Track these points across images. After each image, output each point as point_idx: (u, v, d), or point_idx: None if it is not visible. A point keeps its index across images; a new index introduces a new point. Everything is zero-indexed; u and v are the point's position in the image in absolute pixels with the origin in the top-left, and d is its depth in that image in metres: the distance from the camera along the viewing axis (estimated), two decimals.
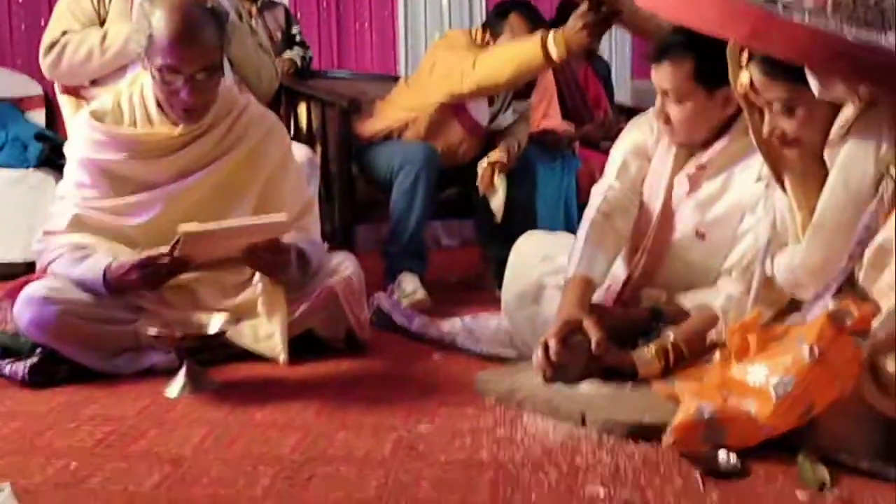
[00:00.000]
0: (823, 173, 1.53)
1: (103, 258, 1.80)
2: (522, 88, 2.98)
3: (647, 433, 1.46)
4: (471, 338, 2.21)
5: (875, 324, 1.38)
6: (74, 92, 2.61)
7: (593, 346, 1.68)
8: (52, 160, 3.45)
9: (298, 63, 3.47)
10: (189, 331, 1.77)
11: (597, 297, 1.89)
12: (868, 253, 1.44)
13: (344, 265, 2.06)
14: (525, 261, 2.23)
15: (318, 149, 3.17)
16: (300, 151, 2.56)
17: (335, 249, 2.46)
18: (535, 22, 2.82)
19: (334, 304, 1.98)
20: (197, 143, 1.96)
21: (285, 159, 2.09)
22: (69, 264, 1.82)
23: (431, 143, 2.84)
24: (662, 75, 1.82)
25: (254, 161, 2.02)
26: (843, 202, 1.49)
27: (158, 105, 1.93)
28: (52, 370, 1.78)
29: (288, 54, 3.46)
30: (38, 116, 3.74)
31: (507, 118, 3.04)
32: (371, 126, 2.99)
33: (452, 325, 2.46)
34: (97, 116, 1.93)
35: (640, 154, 1.99)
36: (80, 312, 1.78)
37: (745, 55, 1.55)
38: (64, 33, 2.44)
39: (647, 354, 1.72)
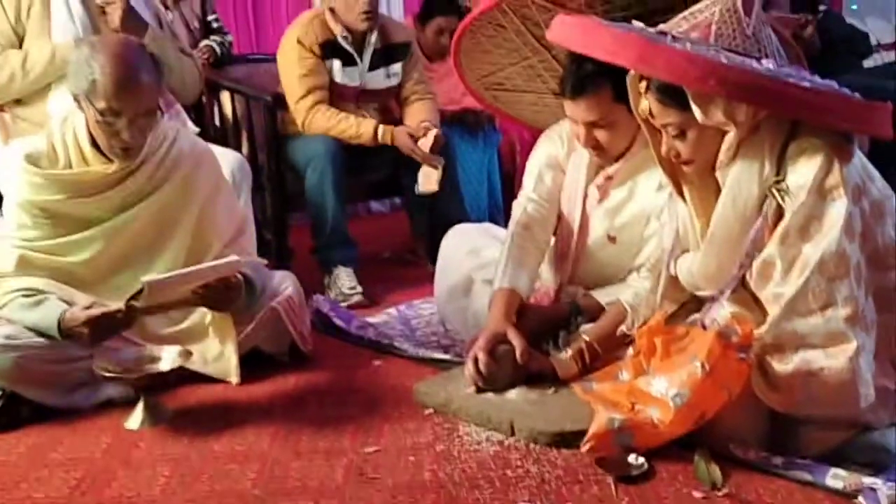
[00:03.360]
0: (719, 186, 1.71)
1: (56, 306, 1.88)
2: (395, 52, 3.07)
3: (569, 441, 1.67)
4: (407, 338, 2.38)
5: (763, 329, 1.59)
6: None
7: (518, 355, 1.87)
8: None
9: (218, 51, 3.47)
10: (142, 364, 1.89)
11: (531, 300, 2.07)
12: (755, 264, 1.64)
13: (284, 284, 2.18)
14: (453, 256, 2.39)
15: (245, 141, 3.23)
16: (231, 157, 2.62)
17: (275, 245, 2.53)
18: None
19: (278, 323, 2.11)
20: (131, 178, 2.02)
21: (217, 186, 2.17)
22: (22, 310, 1.89)
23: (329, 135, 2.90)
24: (587, 108, 1.92)
25: (186, 191, 2.09)
26: (731, 219, 1.68)
27: (92, 144, 1.98)
28: (15, 411, 1.88)
29: (206, 42, 3.46)
30: None
31: (378, 78, 3.06)
32: (285, 119, 3.06)
33: (389, 318, 2.63)
34: (32, 161, 1.97)
35: (554, 166, 2.14)
36: (37, 356, 1.87)
37: (643, 84, 1.70)
38: None
39: (565, 358, 1.92)
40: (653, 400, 1.62)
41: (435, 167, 2.89)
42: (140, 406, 1.86)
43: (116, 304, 1.85)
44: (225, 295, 1.96)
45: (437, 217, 3.08)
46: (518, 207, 2.16)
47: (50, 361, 1.89)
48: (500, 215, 3.38)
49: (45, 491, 1.60)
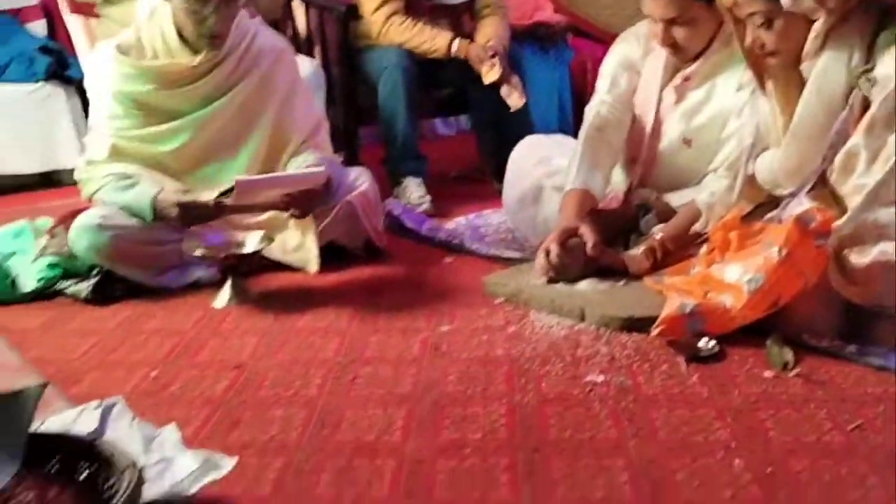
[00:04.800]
0: (803, 81, 1.70)
1: (149, 188, 1.98)
2: None
3: (639, 325, 1.70)
4: (477, 238, 2.42)
5: (842, 220, 1.59)
6: (85, 10, 2.68)
7: (588, 248, 1.90)
8: (59, 73, 3.54)
9: None
10: (228, 246, 1.98)
11: (601, 205, 2.08)
12: (839, 157, 1.63)
13: (360, 180, 2.24)
14: (523, 165, 2.41)
15: (318, 53, 3.27)
16: (306, 64, 2.68)
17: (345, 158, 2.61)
18: None
19: (353, 216, 2.18)
20: (215, 71, 2.10)
21: (295, 83, 2.23)
22: (116, 192, 2.00)
23: (402, 47, 2.91)
24: (665, 4, 1.91)
25: (266, 85, 2.16)
26: (816, 111, 1.66)
27: (178, 36, 2.05)
28: (110, 289, 2.00)
29: None
30: (39, 28, 3.78)
31: None
32: (358, 31, 3.08)
33: (458, 225, 2.68)
34: (123, 51, 2.06)
35: (629, 67, 2.13)
36: (130, 236, 1.98)
37: None
38: None
39: (636, 254, 1.94)
40: (726, 287, 1.63)
41: (512, 84, 2.90)
42: (226, 286, 1.96)
43: (207, 198, 1.93)
44: (307, 204, 2.03)
45: (504, 135, 3.09)
46: (591, 110, 2.16)
47: (142, 242, 2.00)
48: (569, 133, 3.36)
49: (142, 354, 1.72)
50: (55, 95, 3.52)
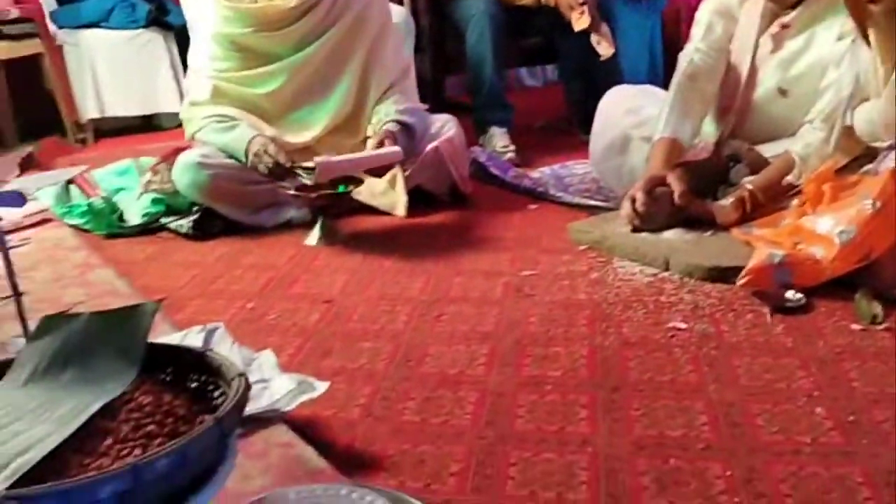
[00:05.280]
0: None
1: (246, 132, 2.07)
2: None
3: (725, 275, 1.69)
4: (561, 186, 2.43)
5: None
6: None
7: (676, 197, 1.88)
8: (159, 19, 3.68)
9: None
10: (319, 186, 2.06)
11: (690, 156, 2.06)
12: None
13: (447, 126, 2.28)
14: (611, 114, 2.38)
15: (407, 1, 3.29)
16: (395, 11, 2.70)
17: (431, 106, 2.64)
18: None
19: (439, 162, 2.22)
20: (309, 14, 2.16)
21: (385, 26, 2.28)
22: (216, 133, 2.10)
23: None
24: None
25: (358, 29, 2.21)
26: None
27: None
28: (210, 225, 2.11)
29: None
30: None
31: None
32: None
33: (543, 174, 2.68)
34: None
35: (726, 15, 2.08)
36: (228, 175, 2.08)
37: None
38: None
39: (725, 205, 1.91)
40: (817, 238, 1.61)
41: (601, 33, 2.86)
42: (317, 226, 2.04)
43: (299, 140, 2.01)
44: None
45: (592, 84, 3.05)
46: (684, 58, 2.12)
47: (239, 181, 2.09)
48: (659, 84, 3.30)
49: (240, 286, 1.81)
50: (155, 41, 3.66)
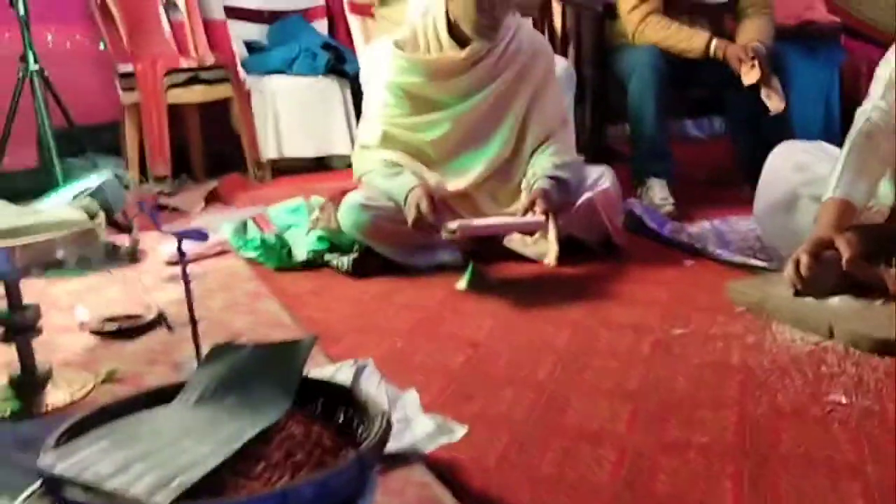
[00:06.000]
0: None
1: (408, 181, 2.17)
2: None
3: (894, 349, 1.57)
4: (721, 243, 2.35)
5: None
6: (363, 11, 2.96)
7: (844, 262, 1.78)
8: (336, 67, 3.92)
9: None
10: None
11: (863, 219, 1.95)
12: None
13: (603, 178, 2.28)
14: (779, 170, 2.29)
15: (572, 52, 3.34)
16: (559, 64, 2.75)
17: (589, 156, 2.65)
18: None
19: (593, 213, 2.22)
20: (479, 65, 2.25)
21: (548, 79, 2.33)
22: (381, 178, 2.22)
23: (656, 46, 2.88)
24: None
25: (521, 79, 2.28)
26: None
27: (448, 32, 2.21)
28: (368, 263, 2.22)
29: None
30: (322, 26, 4.20)
31: None
32: (614, 30, 3.09)
33: (702, 229, 2.61)
34: (399, 45, 2.27)
35: None
36: (388, 217, 2.19)
37: None
38: None
39: None
40: None
41: (772, 87, 2.77)
42: (468, 270, 2.09)
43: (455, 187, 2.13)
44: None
45: (761, 139, 2.95)
46: (862, 115, 2.01)
47: (397, 223, 2.19)
48: (835, 142, 3.14)
49: (391, 324, 1.89)
50: (332, 88, 3.89)
